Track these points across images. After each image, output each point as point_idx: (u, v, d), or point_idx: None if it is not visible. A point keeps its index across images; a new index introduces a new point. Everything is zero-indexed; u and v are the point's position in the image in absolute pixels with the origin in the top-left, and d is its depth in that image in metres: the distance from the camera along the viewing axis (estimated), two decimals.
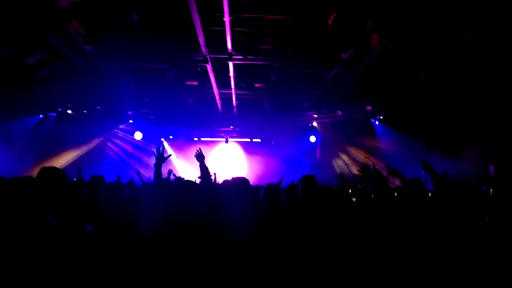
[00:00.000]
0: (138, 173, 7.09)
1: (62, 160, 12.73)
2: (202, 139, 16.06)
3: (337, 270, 2.71)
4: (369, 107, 12.87)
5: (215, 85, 11.26)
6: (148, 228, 2.84)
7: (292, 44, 8.98)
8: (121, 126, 15.17)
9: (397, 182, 3.82)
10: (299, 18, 7.76)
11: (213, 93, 12.17)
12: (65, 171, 2.74)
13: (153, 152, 3.78)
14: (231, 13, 6.97)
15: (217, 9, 6.89)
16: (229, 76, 10.43)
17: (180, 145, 15.75)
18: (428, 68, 9.20)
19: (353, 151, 14.11)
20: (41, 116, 13.06)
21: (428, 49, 8.10)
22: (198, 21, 7.13)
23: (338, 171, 13.84)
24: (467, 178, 7.42)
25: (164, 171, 4.11)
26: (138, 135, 15.16)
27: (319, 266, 2.70)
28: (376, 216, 3.09)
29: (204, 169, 3.58)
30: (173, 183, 5.02)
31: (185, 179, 4.00)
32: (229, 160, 15.96)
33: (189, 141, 15.76)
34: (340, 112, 13.64)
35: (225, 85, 11.43)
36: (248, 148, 16.24)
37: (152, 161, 3.75)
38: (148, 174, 9.33)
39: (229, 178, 3.23)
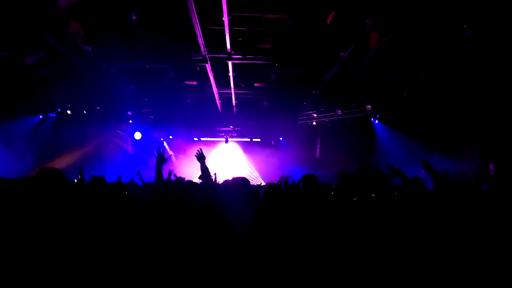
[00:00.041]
0: (139, 173, 7.07)
1: (62, 161, 12.70)
2: (202, 139, 16.07)
3: (338, 269, 2.71)
4: (369, 106, 12.85)
5: (214, 84, 11.25)
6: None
7: (291, 44, 8.98)
8: (121, 126, 15.17)
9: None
10: (298, 17, 7.76)
11: (213, 93, 12.15)
12: (65, 171, 2.74)
13: (153, 152, 3.78)
14: (230, 12, 6.97)
15: (216, 8, 6.88)
16: (229, 76, 10.42)
17: (180, 145, 15.74)
18: (427, 67, 9.21)
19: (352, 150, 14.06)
20: (41, 116, 13.04)
21: (427, 48, 8.11)
22: (197, 20, 7.13)
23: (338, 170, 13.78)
24: (467, 177, 7.41)
25: (164, 171, 4.10)
26: (138, 135, 15.15)
27: (320, 265, 2.70)
28: (377, 215, 3.09)
29: (204, 170, 3.58)
30: (174, 183, 5.01)
31: (186, 179, 4.01)
32: (229, 160, 15.96)
33: (189, 141, 15.76)
34: (339, 111, 13.64)
35: (224, 84, 11.42)
36: (248, 148, 16.23)
37: (152, 161, 3.74)
38: (148, 174, 9.30)
39: (230, 178, 3.24)
